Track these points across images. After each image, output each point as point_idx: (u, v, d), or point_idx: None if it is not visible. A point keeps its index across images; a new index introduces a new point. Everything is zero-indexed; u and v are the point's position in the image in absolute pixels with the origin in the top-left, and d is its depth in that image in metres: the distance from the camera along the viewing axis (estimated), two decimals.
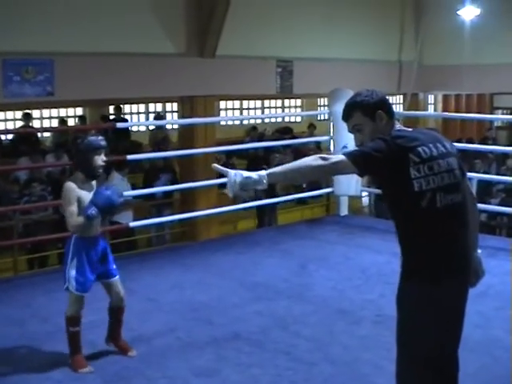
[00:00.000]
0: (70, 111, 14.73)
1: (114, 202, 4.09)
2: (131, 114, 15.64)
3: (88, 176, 4.15)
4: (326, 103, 13.62)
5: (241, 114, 17.02)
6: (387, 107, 2.78)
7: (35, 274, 7.06)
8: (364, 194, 10.80)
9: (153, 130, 13.33)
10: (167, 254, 7.07)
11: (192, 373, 4.09)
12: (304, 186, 11.20)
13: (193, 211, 8.25)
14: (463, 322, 2.79)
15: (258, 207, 9.74)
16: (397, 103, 15.71)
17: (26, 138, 11.79)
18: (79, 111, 14.74)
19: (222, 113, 16.35)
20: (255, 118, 17.02)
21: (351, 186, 7.87)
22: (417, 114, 11.85)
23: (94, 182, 4.23)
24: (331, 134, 8.25)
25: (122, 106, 13.85)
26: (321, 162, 2.57)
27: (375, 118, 2.74)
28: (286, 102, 17.96)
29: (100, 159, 4.13)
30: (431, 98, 16.22)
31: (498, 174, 10.31)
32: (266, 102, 17.62)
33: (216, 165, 2.81)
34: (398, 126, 2.80)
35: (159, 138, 12.22)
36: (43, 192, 8.66)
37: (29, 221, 8.44)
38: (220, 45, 9.41)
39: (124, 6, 8.63)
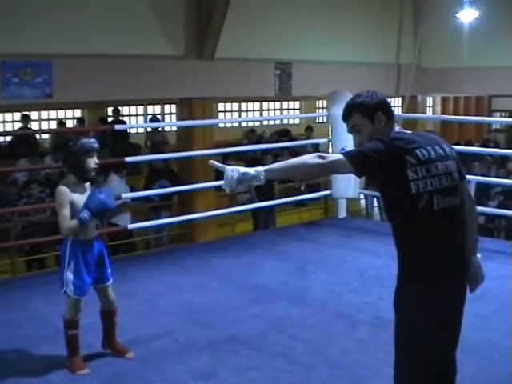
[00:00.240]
0: (69, 113, 14.70)
1: (108, 206, 4.05)
2: (130, 116, 15.63)
3: (80, 179, 4.11)
4: (325, 105, 13.70)
5: (239, 116, 17.01)
6: (387, 109, 2.78)
7: (33, 276, 7.04)
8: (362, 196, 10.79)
9: (150, 132, 13.30)
10: (165, 257, 7.05)
11: (190, 375, 4.08)
12: (303, 188, 11.20)
13: (191, 213, 8.24)
14: (461, 324, 2.79)
15: (253, 210, 9.71)
16: (395, 106, 15.71)
17: (24, 140, 11.78)
18: (77, 113, 14.71)
19: (221, 115, 16.35)
20: (254, 121, 17.04)
21: (349, 188, 7.86)
22: (415, 117, 11.85)
23: (87, 185, 4.19)
24: (329, 137, 8.25)
25: (120, 108, 13.83)
26: (318, 161, 2.57)
27: (374, 119, 2.75)
28: (285, 104, 17.97)
29: (92, 162, 4.08)
30: (430, 101, 16.23)
31: (497, 177, 10.32)
32: (265, 105, 17.61)
33: (213, 161, 2.81)
34: (398, 128, 2.81)
35: (156, 140, 12.22)
36: (41, 194, 8.66)
37: (27, 223, 8.43)
38: (219, 47, 9.41)
39: (122, 8, 8.64)
